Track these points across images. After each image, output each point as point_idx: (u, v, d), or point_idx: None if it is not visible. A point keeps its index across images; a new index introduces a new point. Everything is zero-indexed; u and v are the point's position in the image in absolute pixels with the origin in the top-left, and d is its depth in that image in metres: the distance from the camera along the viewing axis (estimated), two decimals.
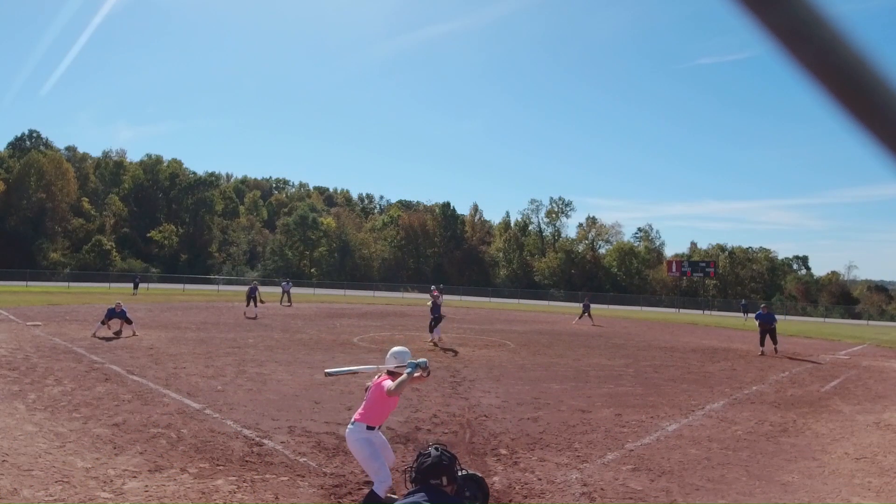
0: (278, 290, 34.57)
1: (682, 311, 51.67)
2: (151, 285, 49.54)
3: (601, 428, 7.85)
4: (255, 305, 23.96)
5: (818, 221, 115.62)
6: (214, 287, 50.76)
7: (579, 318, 28.28)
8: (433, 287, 18.86)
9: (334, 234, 79.81)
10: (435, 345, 15.62)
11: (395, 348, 5.07)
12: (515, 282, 74.10)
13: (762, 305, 18.42)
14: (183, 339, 15.06)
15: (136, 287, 38.30)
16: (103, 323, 15.08)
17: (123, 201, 77.56)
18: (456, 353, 14.74)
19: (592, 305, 29.66)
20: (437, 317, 16.24)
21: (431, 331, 16.36)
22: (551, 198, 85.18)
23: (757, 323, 17.63)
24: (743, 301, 48.06)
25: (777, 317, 18.22)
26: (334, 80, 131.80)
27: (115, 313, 15.24)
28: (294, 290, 34.58)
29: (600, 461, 6.43)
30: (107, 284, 45.42)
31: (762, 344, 17.46)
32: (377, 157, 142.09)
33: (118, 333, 15.04)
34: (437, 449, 3.25)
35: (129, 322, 15.28)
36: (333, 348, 14.54)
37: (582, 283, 69.72)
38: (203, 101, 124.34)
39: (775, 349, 17.22)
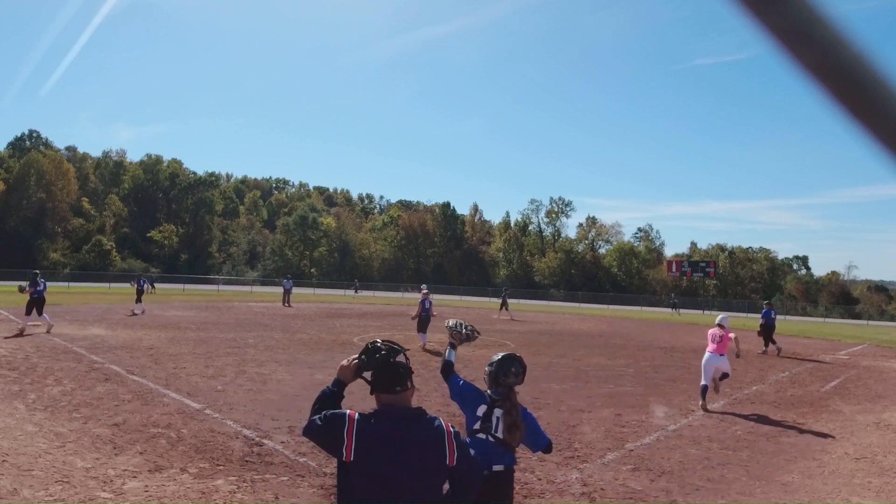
0: (279, 289, 34.24)
1: (682, 311, 51.63)
2: None
3: (601, 428, 7.84)
4: (139, 301, 22.58)
5: (818, 221, 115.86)
6: (214, 287, 50.77)
7: (501, 309, 29.76)
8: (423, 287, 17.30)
9: (334, 234, 79.81)
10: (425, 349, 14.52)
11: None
12: (515, 282, 74.04)
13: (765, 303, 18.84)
14: (183, 339, 15.05)
15: (152, 286, 38.75)
16: (28, 313, 14.57)
17: (123, 201, 77.58)
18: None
19: (590, 305, 29.96)
20: (427, 318, 15.17)
21: (425, 332, 15.18)
22: (551, 198, 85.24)
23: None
24: (673, 297, 51.88)
25: (778, 317, 18.30)
26: (334, 80, 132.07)
27: (36, 286, 14.72)
28: (294, 290, 33.97)
29: (600, 461, 6.43)
30: (107, 284, 45.42)
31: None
32: (377, 157, 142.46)
33: (22, 331, 14.35)
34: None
35: (40, 311, 14.62)
36: (333, 348, 14.53)
37: (582, 283, 69.70)
38: (203, 101, 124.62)
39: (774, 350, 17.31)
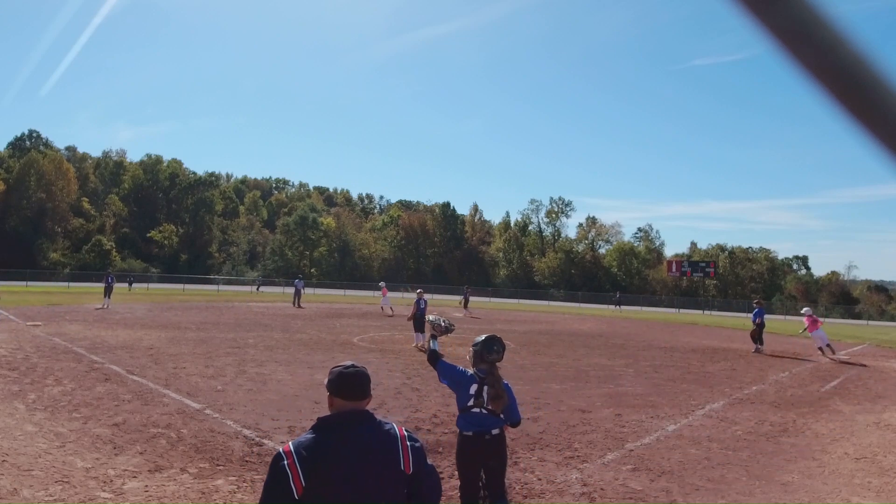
0: (279, 289, 34.11)
1: (682, 311, 51.62)
2: (151, 285, 49.57)
3: (601, 428, 7.84)
4: (108, 297, 23.83)
5: (818, 221, 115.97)
6: (214, 287, 50.75)
7: (464, 307, 30.31)
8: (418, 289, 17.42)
9: (334, 234, 79.78)
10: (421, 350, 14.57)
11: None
12: (515, 282, 74.05)
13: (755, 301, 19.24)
14: (183, 339, 15.05)
15: (130, 284, 39.53)
16: None
17: (123, 201, 77.60)
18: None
19: (590, 305, 30.03)
20: (422, 317, 15.19)
21: (422, 331, 15.24)
22: (551, 198, 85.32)
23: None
24: (617, 295, 52.48)
25: (776, 317, 18.52)
26: (334, 80, 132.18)
27: None
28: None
29: (600, 461, 6.43)
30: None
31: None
32: (377, 157, 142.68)
33: None
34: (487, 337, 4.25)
35: None
36: (333, 348, 14.54)
37: (582, 283, 69.69)
38: (203, 101, 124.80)
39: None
